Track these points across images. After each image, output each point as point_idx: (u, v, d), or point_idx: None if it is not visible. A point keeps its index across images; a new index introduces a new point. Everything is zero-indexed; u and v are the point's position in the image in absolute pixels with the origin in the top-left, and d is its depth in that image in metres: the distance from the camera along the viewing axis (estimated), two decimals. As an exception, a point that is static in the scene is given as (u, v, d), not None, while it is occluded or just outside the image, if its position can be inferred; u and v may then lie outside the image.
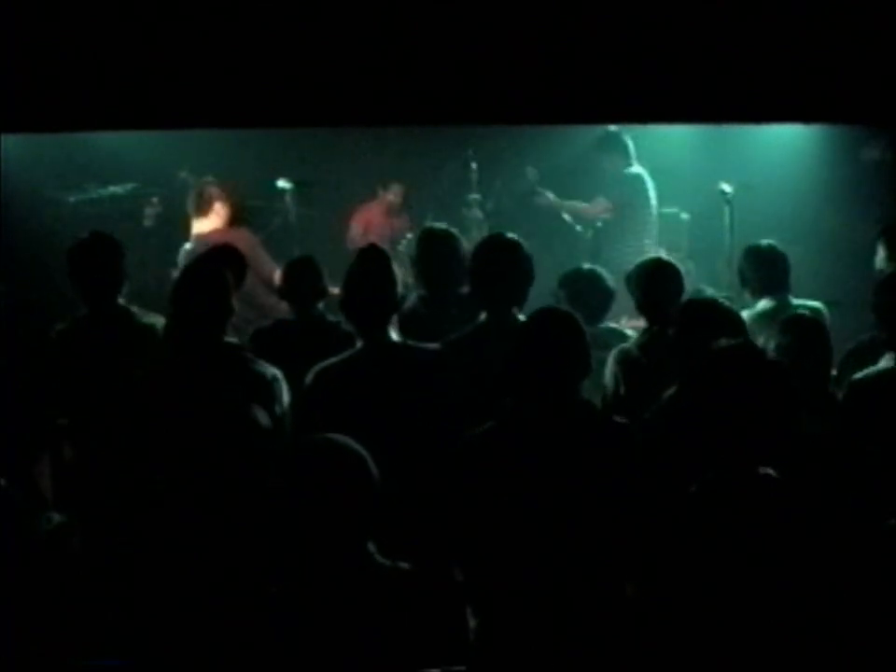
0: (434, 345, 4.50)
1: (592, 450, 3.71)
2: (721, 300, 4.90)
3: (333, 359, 4.45)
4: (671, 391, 4.35)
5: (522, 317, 4.69)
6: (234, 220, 7.01)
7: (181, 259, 6.86)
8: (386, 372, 4.36)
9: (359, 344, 4.45)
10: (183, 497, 4.07)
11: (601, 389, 4.94)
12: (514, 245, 4.85)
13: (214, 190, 7.04)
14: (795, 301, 5.69)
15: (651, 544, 3.45)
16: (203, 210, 6.99)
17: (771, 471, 3.33)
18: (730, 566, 3.25)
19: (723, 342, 3.55)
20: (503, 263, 4.76)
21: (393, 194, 9.23)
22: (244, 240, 6.55)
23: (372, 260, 4.50)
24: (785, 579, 3.25)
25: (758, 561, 3.25)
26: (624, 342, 5.19)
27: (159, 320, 5.02)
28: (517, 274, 4.78)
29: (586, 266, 5.92)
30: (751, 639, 3.23)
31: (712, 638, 3.26)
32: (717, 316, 4.38)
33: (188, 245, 6.97)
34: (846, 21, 5.51)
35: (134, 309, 5.18)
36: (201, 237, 6.89)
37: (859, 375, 4.56)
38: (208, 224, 6.94)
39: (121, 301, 5.15)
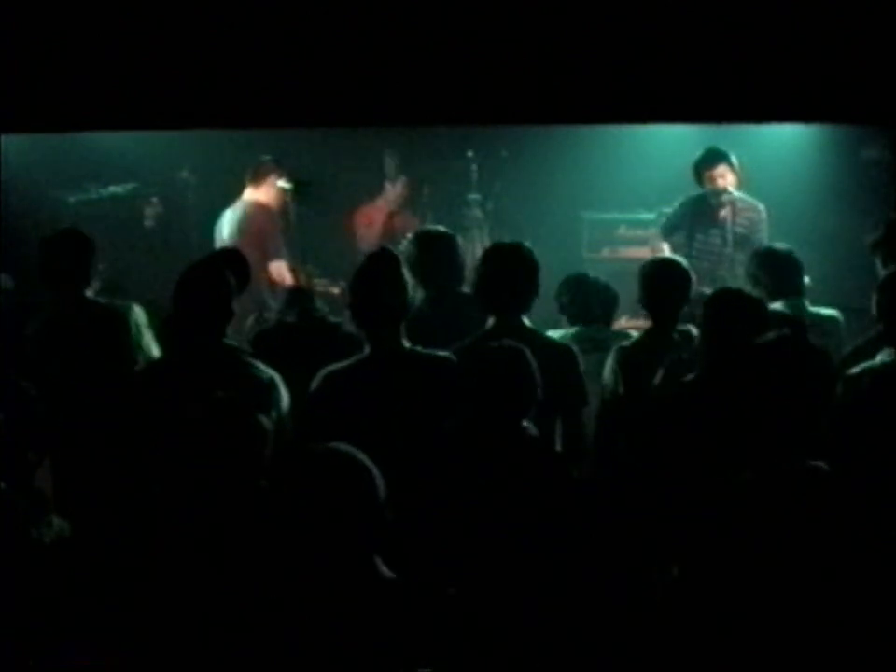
0: (444, 353, 4.38)
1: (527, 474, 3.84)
2: (746, 291, 4.89)
3: (341, 364, 4.33)
4: (691, 376, 4.34)
5: (528, 323, 4.71)
6: (281, 203, 7.44)
7: (222, 223, 7.36)
8: (394, 380, 4.23)
9: (367, 350, 4.30)
10: (182, 500, 4.06)
11: (601, 389, 4.95)
12: (520, 252, 4.81)
13: (271, 166, 7.50)
14: (811, 309, 5.59)
15: (697, 533, 3.40)
16: (257, 179, 7.47)
17: (822, 464, 3.30)
18: (783, 558, 3.19)
19: (772, 335, 3.56)
20: (509, 271, 4.71)
21: (399, 186, 9.17)
22: (274, 220, 7.31)
23: (382, 263, 4.35)
24: (841, 573, 3.20)
25: (812, 555, 3.19)
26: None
27: (131, 305, 5.19)
28: (523, 282, 4.73)
29: (585, 272, 5.93)
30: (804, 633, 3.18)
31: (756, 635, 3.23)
32: (745, 307, 4.38)
33: (228, 212, 7.41)
34: (846, 21, 5.52)
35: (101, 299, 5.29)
36: (247, 202, 7.43)
37: (855, 370, 4.50)
38: (258, 194, 7.44)
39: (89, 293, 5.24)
